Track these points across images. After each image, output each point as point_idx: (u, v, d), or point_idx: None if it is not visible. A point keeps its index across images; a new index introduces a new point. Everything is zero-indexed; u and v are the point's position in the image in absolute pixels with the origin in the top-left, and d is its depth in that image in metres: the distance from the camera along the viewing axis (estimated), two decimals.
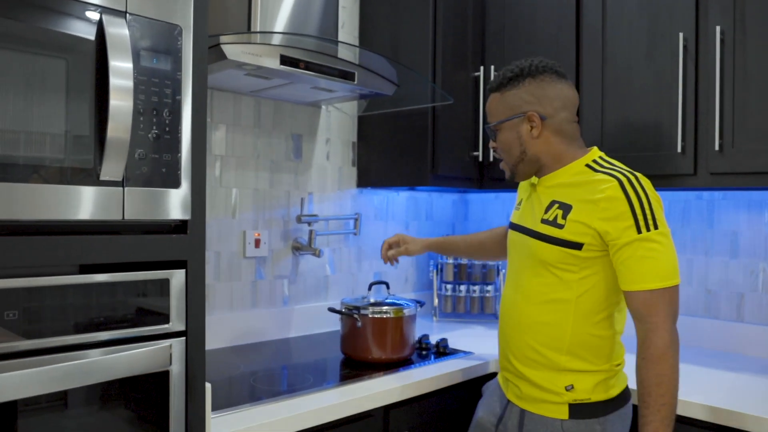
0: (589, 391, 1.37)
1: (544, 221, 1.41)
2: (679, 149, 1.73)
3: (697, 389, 1.57)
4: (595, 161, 1.42)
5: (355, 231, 2.32)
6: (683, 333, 2.09)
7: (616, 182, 1.31)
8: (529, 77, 1.43)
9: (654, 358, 1.26)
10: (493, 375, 1.84)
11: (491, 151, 1.56)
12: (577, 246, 1.34)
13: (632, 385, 1.45)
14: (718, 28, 1.66)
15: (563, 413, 1.38)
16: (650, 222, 1.28)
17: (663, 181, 1.80)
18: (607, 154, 1.86)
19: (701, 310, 2.08)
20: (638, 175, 1.34)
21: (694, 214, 2.10)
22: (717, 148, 1.67)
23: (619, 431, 1.40)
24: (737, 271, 2.01)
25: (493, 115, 1.49)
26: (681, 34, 1.73)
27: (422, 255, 2.61)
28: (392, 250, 1.90)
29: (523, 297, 1.45)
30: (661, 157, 1.78)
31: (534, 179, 1.50)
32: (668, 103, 1.78)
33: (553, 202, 1.41)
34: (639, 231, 1.27)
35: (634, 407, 1.45)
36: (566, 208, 1.37)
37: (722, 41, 1.67)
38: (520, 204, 1.56)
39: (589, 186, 1.36)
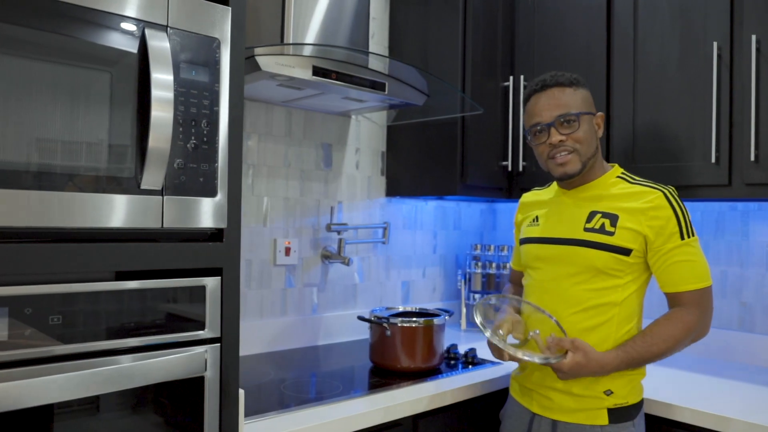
0: (625, 395, 1.43)
1: (588, 230, 1.46)
2: (713, 159, 1.71)
3: (734, 405, 1.54)
4: (624, 173, 1.53)
5: (383, 240, 2.33)
6: (717, 346, 2.05)
7: (660, 193, 1.43)
8: (584, 86, 1.52)
9: (674, 319, 1.39)
10: None
11: (552, 147, 1.47)
12: (627, 252, 1.42)
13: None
14: (753, 37, 1.64)
15: (603, 419, 1.42)
16: (690, 230, 1.42)
17: (697, 191, 1.77)
18: (639, 164, 1.87)
19: (735, 323, 2.04)
20: (671, 188, 1.46)
21: (729, 225, 2.07)
22: (753, 158, 1.64)
23: (643, 431, 1.48)
24: None
25: (573, 106, 1.47)
26: (715, 43, 1.71)
27: (450, 264, 2.61)
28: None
29: (564, 305, 1.47)
30: (695, 168, 1.76)
31: (552, 192, 1.59)
32: (702, 113, 1.75)
33: (593, 213, 1.47)
34: (683, 237, 1.40)
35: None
36: (612, 218, 1.44)
37: (758, 50, 1.64)
38: (536, 220, 1.59)
39: (632, 197, 1.45)
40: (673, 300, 1.43)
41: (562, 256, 1.49)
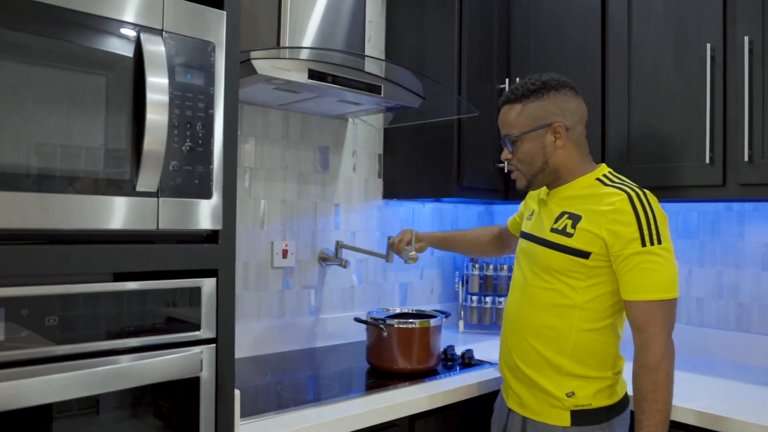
0: (589, 397, 1.41)
1: (553, 230, 1.45)
2: (707, 160, 1.72)
3: (733, 404, 1.55)
4: (605, 176, 1.48)
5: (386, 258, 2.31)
6: (714, 346, 2.06)
7: (625, 196, 1.36)
8: (553, 90, 1.48)
9: (651, 366, 1.31)
10: None
11: (505, 163, 1.59)
12: (585, 255, 1.38)
13: (630, 391, 1.50)
14: (746, 39, 1.65)
15: (565, 420, 1.41)
16: (654, 236, 1.33)
17: (691, 192, 1.78)
18: (634, 165, 1.88)
19: (732, 323, 2.05)
20: (646, 191, 1.39)
21: (724, 226, 2.08)
22: (746, 158, 1.65)
23: None
24: None
25: (515, 126, 1.51)
26: (708, 45, 1.72)
27: (448, 266, 2.62)
28: (410, 248, 1.96)
29: (528, 302, 1.49)
30: (689, 168, 1.77)
31: (543, 193, 1.56)
32: (696, 114, 1.77)
33: (563, 213, 1.46)
34: (644, 244, 1.32)
35: (632, 413, 1.49)
36: (575, 218, 1.42)
37: (751, 51, 1.66)
38: (532, 215, 1.59)
39: (598, 198, 1.41)
40: (629, 309, 1.35)
41: (530, 253, 1.51)
